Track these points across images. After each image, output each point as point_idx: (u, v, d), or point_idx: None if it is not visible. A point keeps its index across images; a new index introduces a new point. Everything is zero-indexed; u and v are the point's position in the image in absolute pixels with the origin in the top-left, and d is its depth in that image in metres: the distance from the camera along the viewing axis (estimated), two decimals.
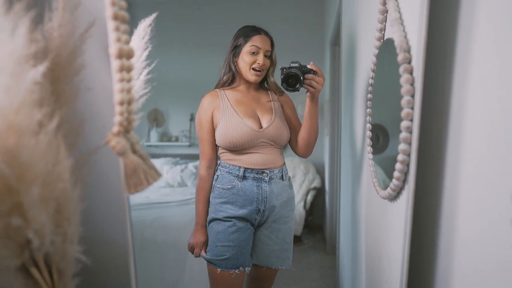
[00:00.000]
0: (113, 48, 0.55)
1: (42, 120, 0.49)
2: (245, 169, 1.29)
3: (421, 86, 0.62)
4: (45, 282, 0.56)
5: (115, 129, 0.57)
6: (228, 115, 1.29)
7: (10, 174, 0.45)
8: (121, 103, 0.57)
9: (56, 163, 0.52)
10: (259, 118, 1.33)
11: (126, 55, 0.56)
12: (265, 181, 1.30)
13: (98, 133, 0.71)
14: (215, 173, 1.37)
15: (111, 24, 0.55)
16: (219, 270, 1.28)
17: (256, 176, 1.29)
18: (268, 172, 1.30)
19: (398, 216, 0.79)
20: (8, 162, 0.45)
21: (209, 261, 1.31)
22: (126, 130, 0.59)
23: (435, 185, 0.71)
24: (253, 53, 1.30)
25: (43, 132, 0.49)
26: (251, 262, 1.36)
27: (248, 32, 1.32)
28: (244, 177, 1.29)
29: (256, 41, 1.30)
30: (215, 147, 1.37)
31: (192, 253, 1.36)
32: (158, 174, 0.62)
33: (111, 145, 0.56)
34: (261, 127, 1.31)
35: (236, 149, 1.29)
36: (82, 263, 0.60)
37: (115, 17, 0.54)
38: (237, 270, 1.28)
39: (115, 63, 0.55)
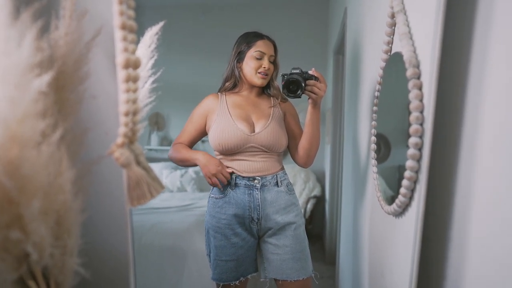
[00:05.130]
0: (120, 58, 0.54)
1: (45, 130, 0.48)
2: (236, 176, 1.29)
3: (433, 104, 0.61)
4: None
5: (120, 140, 0.56)
6: (222, 117, 1.30)
7: (11, 186, 0.44)
8: (126, 114, 0.56)
9: (57, 175, 0.51)
10: (253, 123, 1.31)
11: (132, 65, 0.55)
12: (257, 188, 1.28)
13: (101, 142, 0.70)
14: None
15: (118, 34, 0.54)
16: (221, 284, 1.32)
17: (248, 183, 1.28)
18: (260, 179, 1.29)
19: (404, 233, 0.78)
20: (10, 174, 0.44)
21: (213, 279, 1.35)
22: (130, 141, 0.58)
23: (444, 199, 0.69)
24: (258, 58, 1.29)
25: (45, 143, 0.48)
26: (266, 273, 1.34)
27: (251, 37, 1.32)
28: (235, 185, 1.29)
29: (260, 46, 1.30)
30: (192, 142, 1.39)
31: (219, 179, 1.27)
32: (161, 187, 0.60)
33: (115, 157, 0.55)
34: (254, 131, 1.29)
35: (227, 153, 1.29)
36: (81, 276, 0.59)
37: (123, 27, 0.53)
38: (237, 282, 1.29)
39: (121, 73, 0.54)
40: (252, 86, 1.36)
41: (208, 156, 1.29)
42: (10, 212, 0.45)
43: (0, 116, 0.41)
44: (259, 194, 1.28)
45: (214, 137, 1.28)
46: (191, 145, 1.39)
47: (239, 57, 1.33)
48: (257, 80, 1.31)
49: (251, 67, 1.30)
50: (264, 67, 1.30)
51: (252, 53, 1.30)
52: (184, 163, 1.35)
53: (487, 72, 0.55)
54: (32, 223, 0.47)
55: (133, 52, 0.57)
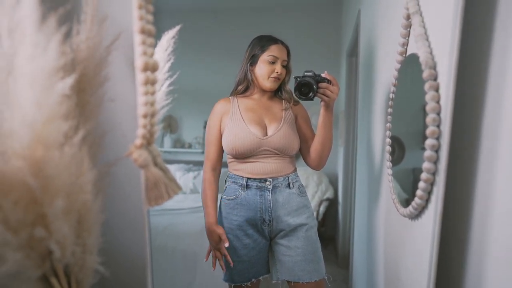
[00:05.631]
0: (139, 62, 0.55)
1: (68, 132, 0.50)
2: (248, 178, 1.29)
3: (451, 106, 0.61)
4: None
5: (138, 141, 0.57)
6: (235, 121, 1.30)
7: (36, 186, 0.46)
8: (145, 116, 0.57)
9: (79, 175, 0.52)
10: (266, 126, 1.32)
11: (151, 68, 0.57)
12: (268, 190, 1.29)
13: (118, 144, 0.71)
14: (224, 185, 1.38)
15: (138, 38, 0.55)
16: (232, 285, 1.33)
17: (259, 185, 1.29)
18: (271, 180, 1.29)
19: (421, 235, 0.77)
20: (34, 174, 0.45)
21: (224, 280, 1.35)
22: (148, 142, 0.59)
23: (462, 201, 0.69)
24: (271, 62, 1.30)
25: (68, 144, 0.50)
26: (279, 275, 1.33)
27: (265, 41, 1.33)
28: (247, 187, 1.30)
29: (274, 50, 1.31)
30: (221, 152, 1.37)
31: (218, 257, 1.30)
32: (178, 187, 0.62)
33: (134, 158, 0.56)
34: (266, 134, 1.30)
35: (240, 156, 1.29)
36: (100, 274, 0.60)
37: (142, 31, 0.55)
38: (249, 283, 1.30)
39: (140, 76, 0.56)
40: (263, 90, 1.36)
41: (209, 229, 1.29)
42: (34, 211, 0.47)
43: (27, 118, 0.43)
44: (270, 196, 1.28)
45: (227, 141, 1.28)
46: (221, 155, 1.38)
47: (252, 60, 1.34)
48: (268, 84, 1.32)
49: (264, 71, 1.31)
50: (277, 72, 1.30)
51: (265, 57, 1.30)
52: None
53: (508, 72, 0.55)
54: (55, 222, 0.48)
55: (152, 55, 0.58)
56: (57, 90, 0.45)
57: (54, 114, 0.45)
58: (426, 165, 0.69)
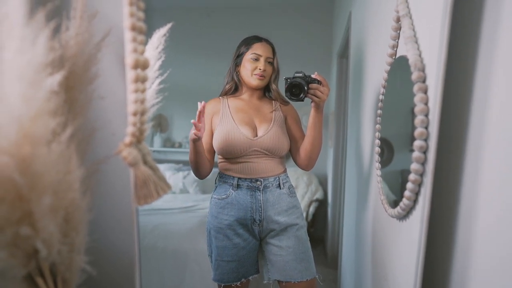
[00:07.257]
0: (129, 59, 0.55)
1: (55, 129, 0.49)
2: (239, 178, 1.30)
3: (439, 108, 0.62)
4: None
5: (128, 139, 0.57)
6: (225, 121, 1.31)
7: (23, 183, 0.45)
8: (135, 114, 0.56)
9: (67, 173, 0.51)
10: (256, 127, 1.33)
11: (141, 65, 0.56)
12: (259, 190, 1.29)
13: (108, 141, 0.70)
14: (215, 184, 1.38)
15: (128, 35, 0.55)
16: (222, 285, 1.33)
17: (250, 184, 1.29)
18: (262, 180, 1.30)
19: (408, 236, 0.78)
20: (21, 171, 0.45)
21: (214, 280, 1.35)
22: (138, 140, 0.59)
23: (449, 202, 0.70)
24: (255, 59, 1.32)
25: (56, 141, 0.49)
26: (270, 275, 1.33)
27: (249, 41, 1.35)
28: (238, 186, 1.30)
29: (257, 48, 1.32)
30: (210, 151, 1.35)
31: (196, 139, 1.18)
32: (168, 186, 0.61)
33: (123, 156, 0.55)
34: (256, 135, 1.31)
35: (230, 156, 1.30)
36: (88, 273, 0.60)
37: (133, 28, 0.54)
38: (238, 283, 1.30)
39: (130, 74, 0.55)
40: (252, 90, 1.38)
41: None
42: (21, 208, 0.46)
43: (14, 114, 0.42)
44: (261, 196, 1.29)
45: (218, 142, 1.29)
46: (211, 154, 1.36)
47: (238, 60, 1.36)
48: (253, 81, 1.33)
49: (247, 69, 1.33)
50: (260, 69, 1.31)
51: (248, 55, 1.32)
52: (194, 159, 1.27)
53: (494, 74, 0.56)
54: (42, 220, 0.47)
55: (142, 53, 0.58)
56: (45, 86, 0.45)
57: (42, 110, 0.44)
58: (414, 166, 0.70)
